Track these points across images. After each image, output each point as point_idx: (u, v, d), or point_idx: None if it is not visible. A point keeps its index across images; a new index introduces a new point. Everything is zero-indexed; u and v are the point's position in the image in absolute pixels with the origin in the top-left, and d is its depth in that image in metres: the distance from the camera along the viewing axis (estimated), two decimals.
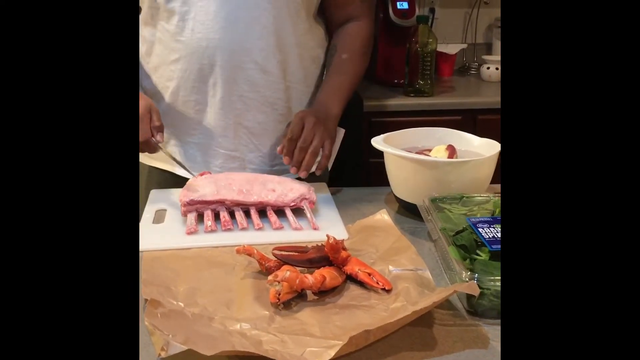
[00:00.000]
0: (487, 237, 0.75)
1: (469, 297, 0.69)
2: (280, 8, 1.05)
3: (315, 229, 0.92)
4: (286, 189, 0.98)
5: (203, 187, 0.96)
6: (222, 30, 1.03)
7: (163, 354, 0.59)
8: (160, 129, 0.99)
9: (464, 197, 0.91)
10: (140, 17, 1.09)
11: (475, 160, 0.94)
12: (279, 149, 1.02)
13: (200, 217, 0.94)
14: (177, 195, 0.99)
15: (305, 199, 0.97)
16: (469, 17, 2.40)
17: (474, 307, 0.70)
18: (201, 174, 1.04)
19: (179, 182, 1.08)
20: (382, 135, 1.03)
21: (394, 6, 2.02)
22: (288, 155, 1.01)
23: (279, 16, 1.06)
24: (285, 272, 0.69)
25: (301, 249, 0.81)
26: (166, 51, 1.07)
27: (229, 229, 0.91)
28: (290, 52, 1.09)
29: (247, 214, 0.95)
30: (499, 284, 0.67)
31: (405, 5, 2.02)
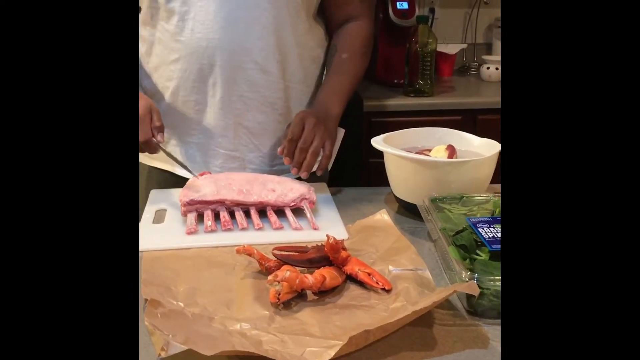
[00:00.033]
0: (487, 237, 0.75)
1: (469, 297, 0.69)
2: (280, 8, 1.05)
3: (315, 229, 0.92)
4: (286, 189, 0.98)
5: (203, 187, 0.96)
6: (222, 30, 1.03)
7: (163, 354, 0.59)
8: (160, 129, 0.99)
9: (464, 197, 0.91)
10: (140, 17, 1.09)
11: (475, 160, 0.94)
12: (279, 150, 1.02)
13: (200, 217, 0.94)
14: (177, 195, 0.99)
15: (305, 199, 0.97)
16: (469, 17, 2.40)
17: (474, 307, 0.70)
18: (201, 174, 1.04)
19: (179, 182, 1.08)
20: (382, 135, 1.03)
21: (394, 6, 2.02)
22: (289, 156, 1.01)
23: (278, 16, 1.06)
24: (285, 272, 0.69)
25: (301, 249, 0.81)
26: (166, 51, 1.07)
27: (229, 229, 0.91)
28: (290, 52, 1.09)
29: (247, 214, 0.95)
30: (498, 284, 0.67)
31: (405, 5, 2.02)
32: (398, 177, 1.00)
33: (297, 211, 0.97)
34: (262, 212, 0.96)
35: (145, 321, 0.63)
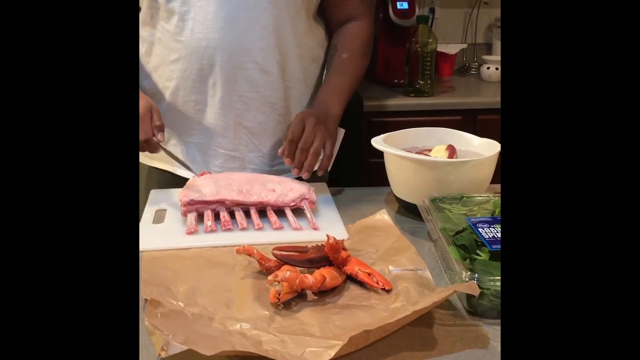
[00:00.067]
0: (487, 237, 0.75)
1: (469, 297, 0.69)
2: (280, 8, 1.05)
3: (315, 229, 0.92)
4: (286, 189, 0.98)
5: (203, 187, 0.96)
6: (222, 30, 1.03)
7: (163, 354, 0.59)
8: (161, 128, 0.99)
9: (464, 197, 0.91)
10: (140, 17, 1.09)
11: (475, 160, 0.94)
12: (280, 151, 1.02)
13: (200, 217, 0.94)
14: (177, 195, 0.99)
15: (305, 199, 0.97)
16: (469, 17, 2.40)
17: (474, 307, 0.70)
18: (201, 174, 1.04)
19: (179, 182, 1.08)
20: (382, 135, 1.03)
21: (394, 6, 2.02)
22: (289, 157, 1.01)
23: (278, 16, 1.06)
24: (285, 272, 0.69)
25: (301, 249, 0.81)
26: (166, 51, 1.07)
27: (229, 229, 0.91)
28: (290, 52, 1.09)
29: (247, 214, 0.95)
30: (499, 284, 0.67)
31: (405, 5, 2.02)
32: (398, 177, 1.00)
33: (297, 211, 0.97)
34: (262, 212, 0.96)
35: (145, 321, 0.63)
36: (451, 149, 0.99)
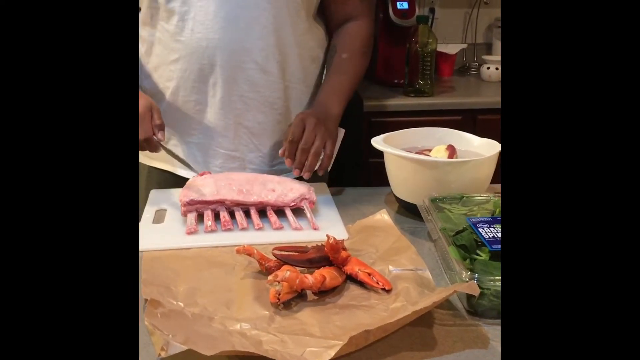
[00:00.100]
0: (487, 237, 0.75)
1: (469, 297, 0.69)
2: (280, 8, 1.05)
3: (315, 229, 0.92)
4: (286, 189, 0.98)
5: (203, 187, 0.96)
6: (222, 30, 1.03)
7: (163, 354, 0.59)
8: (161, 127, 0.99)
9: (464, 197, 0.91)
10: (139, 17, 1.09)
11: (475, 160, 0.94)
12: (280, 152, 1.02)
13: (200, 217, 0.94)
14: (177, 195, 0.99)
15: (305, 199, 0.97)
16: (469, 17, 2.40)
17: (474, 307, 0.70)
18: (201, 174, 1.04)
19: (179, 182, 1.08)
20: (382, 135, 1.03)
21: (394, 6, 2.02)
22: (290, 158, 1.01)
23: (278, 16, 1.06)
24: (285, 272, 0.69)
25: (301, 249, 0.81)
26: (166, 51, 1.07)
27: (229, 229, 0.91)
28: (290, 52, 1.09)
29: (247, 214, 0.95)
30: (499, 284, 0.67)
31: (405, 5, 2.02)
32: (398, 177, 1.00)
33: (297, 211, 0.97)
34: (262, 212, 0.96)
35: (145, 321, 0.63)
36: (451, 149, 0.99)
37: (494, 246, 0.73)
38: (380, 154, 0.99)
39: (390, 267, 0.78)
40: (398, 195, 1.01)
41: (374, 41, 1.26)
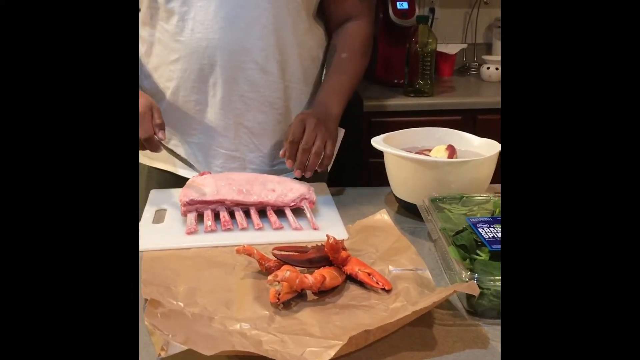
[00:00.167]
0: (487, 237, 0.75)
1: (469, 297, 0.69)
2: (280, 8, 1.05)
3: (315, 229, 0.92)
4: (286, 189, 0.98)
5: (203, 187, 0.96)
6: (222, 30, 1.03)
7: (163, 354, 0.59)
8: (161, 127, 0.99)
9: (464, 197, 0.91)
10: (139, 17, 1.09)
11: (475, 160, 0.94)
12: (281, 152, 1.02)
13: (200, 217, 0.94)
14: (177, 195, 0.99)
15: (305, 199, 0.97)
16: (469, 17, 2.40)
17: (474, 307, 0.70)
18: (201, 174, 1.04)
19: (179, 182, 1.08)
20: (382, 135, 1.03)
21: (394, 6, 2.02)
22: (291, 159, 1.01)
23: (278, 16, 1.06)
24: (285, 272, 0.69)
25: (301, 249, 0.81)
26: (166, 51, 1.07)
27: (229, 229, 0.91)
28: (290, 52, 1.09)
29: (247, 214, 0.95)
30: (499, 284, 0.67)
31: (405, 5, 2.02)
32: (398, 177, 1.00)
33: (297, 211, 0.97)
34: (262, 212, 0.96)
35: (145, 321, 0.63)
36: (451, 149, 0.99)
37: (493, 246, 0.73)
38: (380, 154, 0.99)
39: (390, 267, 0.78)
40: (398, 195, 1.01)
41: (374, 41, 1.26)
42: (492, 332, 0.67)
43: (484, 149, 1.01)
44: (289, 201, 0.96)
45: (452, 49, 2.25)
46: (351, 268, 0.76)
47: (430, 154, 1.00)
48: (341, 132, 1.13)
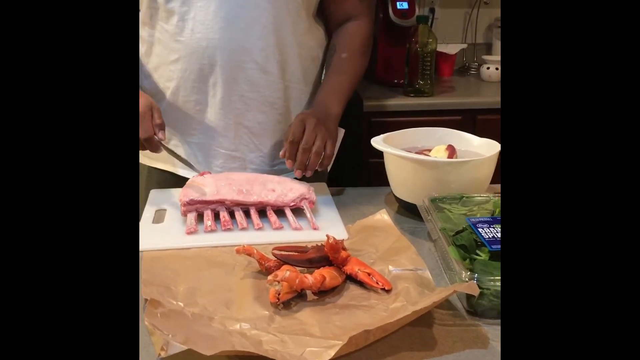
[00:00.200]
0: (487, 237, 0.75)
1: (469, 297, 0.69)
2: (280, 8, 1.05)
3: (315, 229, 0.92)
4: (286, 189, 0.98)
5: (203, 186, 0.96)
6: (222, 30, 1.03)
7: (163, 354, 0.59)
8: (161, 127, 0.99)
9: (463, 197, 0.91)
10: (139, 17, 1.09)
11: (475, 160, 0.94)
12: (281, 153, 1.02)
13: (200, 217, 0.94)
14: (177, 195, 0.99)
15: (305, 199, 0.97)
16: (469, 17, 2.40)
17: (473, 307, 0.70)
18: (201, 174, 1.04)
19: (179, 182, 1.08)
20: (382, 135, 1.03)
21: (394, 6, 2.02)
22: (291, 159, 1.01)
23: (278, 16, 1.06)
24: (285, 272, 0.69)
25: (301, 249, 0.81)
26: (166, 51, 1.07)
27: (229, 229, 0.91)
28: (290, 51, 1.09)
29: (247, 214, 0.95)
30: (498, 284, 0.67)
31: (405, 5, 2.02)
32: (398, 177, 1.00)
33: (297, 211, 0.97)
34: (262, 212, 0.96)
35: (145, 321, 0.63)
36: (451, 149, 0.99)
37: (493, 246, 0.73)
38: (380, 154, 0.99)
39: (390, 267, 0.78)
40: (398, 195, 1.01)
41: (374, 41, 1.26)
42: (492, 332, 0.67)
43: (484, 149, 1.01)
44: (289, 201, 0.96)
45: (452, 49, 2.25)
46: (351, 268, 0.76)
47: (430, 154, 1.00)
48: (341, 132, 1.13)
